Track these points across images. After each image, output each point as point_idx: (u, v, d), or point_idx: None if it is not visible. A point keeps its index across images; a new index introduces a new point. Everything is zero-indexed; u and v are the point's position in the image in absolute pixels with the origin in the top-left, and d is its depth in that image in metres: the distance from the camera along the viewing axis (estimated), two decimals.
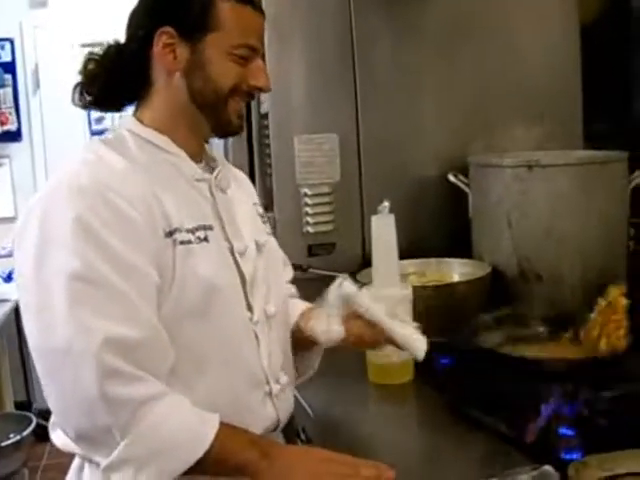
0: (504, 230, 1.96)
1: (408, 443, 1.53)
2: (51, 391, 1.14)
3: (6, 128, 4.72)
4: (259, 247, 1.38)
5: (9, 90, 4.72)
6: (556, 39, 2.39)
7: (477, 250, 2.10)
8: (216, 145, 2.02)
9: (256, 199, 1.54)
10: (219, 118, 1.32)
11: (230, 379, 1.26)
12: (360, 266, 2.04)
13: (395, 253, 1.62)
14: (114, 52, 1.34)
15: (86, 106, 1.37)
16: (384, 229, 1.61)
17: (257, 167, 2.24)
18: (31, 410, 4.08)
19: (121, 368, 1.09)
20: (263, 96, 2.11)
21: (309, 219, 2.11)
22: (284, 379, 1.37)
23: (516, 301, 1.94)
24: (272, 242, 1.49)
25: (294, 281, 1.62)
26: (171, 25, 1.27)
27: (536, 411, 1.37)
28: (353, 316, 1.42)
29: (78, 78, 1.35)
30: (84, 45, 4.23)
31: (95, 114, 4.64)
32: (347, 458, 1.20)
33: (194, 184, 1.31)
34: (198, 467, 1.11)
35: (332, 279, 1.94)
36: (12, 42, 4.69)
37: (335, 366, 1.57)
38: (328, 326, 1.41)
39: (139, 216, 1.17)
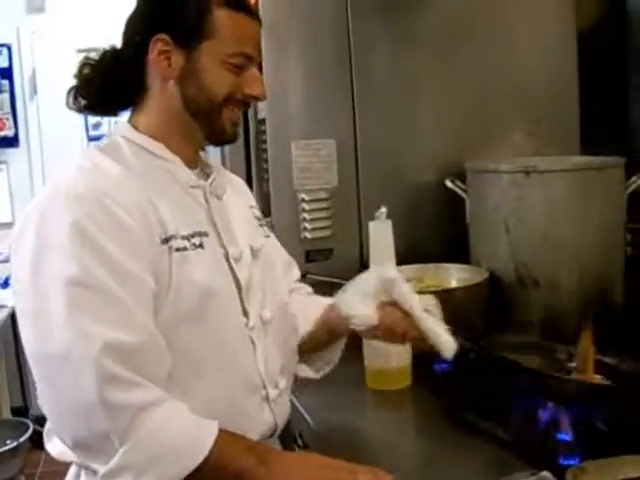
0: (501, 236, 1.96)
1: (406, 448, 1.53)
2: (47, 397, 1.14)
3: (3, 134, 4.73)
4: (254, 252, 1.38)
5: (6, 96, 4.72)
6: (553, 45, 2.39)
7: (474, 256, 2.10)
8: (213, 151, 2.02)
9: (253, 202, 1.54)
10: (213, 126, 1.32)
11: (226, 384, 1.26)
12: (358, 272, 2.02)
13: (393, 259, 1.62)
14: (110, 57, 1.34)
15: (81, 110, 1.37)
16: (382, 235, 1.61)
17: (254, 173, 2.24)
18: (28, 416, 4.07)
19: (120, 374, 1.09)
20: (260, 102, 2.11)
21: (306, 225, 2.11)
22: (282, 384, 1.37)
23: (513, 307, 1.94)
24: (270, 245, 1.49)
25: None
26: (167, 32, 1.27)
27: (534, 416, 1.37)
28: (387, 305, 1.42)
29: (74, 83, 1.36)
30: (81, 50, 4.23)
31: (92, 120, 4.65)
32: (344, 464, 1.20)
33: (189, 191, 1.31)
34: (197, 474, 1.11)
35: (330, 285, 1.95)
36: (9, 48, 4.69)
37: (333, 372, 1.56)
38: (363, 311, 1.40)
39: (135, 223, 1.17)
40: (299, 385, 1.53)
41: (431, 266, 2.10)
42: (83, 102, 1.36)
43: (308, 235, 2.11)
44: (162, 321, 1.17)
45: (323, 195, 2.12)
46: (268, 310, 1.36)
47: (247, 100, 1.34)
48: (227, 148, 2.25)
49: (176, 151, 1.32)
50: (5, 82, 4.71)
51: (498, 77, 2.33)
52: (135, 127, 1.32)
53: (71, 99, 1.35)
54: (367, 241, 1.63)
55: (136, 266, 1.15)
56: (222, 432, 1.15)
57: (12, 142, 4.75)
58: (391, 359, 1.68)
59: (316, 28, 2.13)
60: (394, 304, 1.42)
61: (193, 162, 1.36)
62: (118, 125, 1.37)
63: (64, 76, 1.45)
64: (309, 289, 1.63)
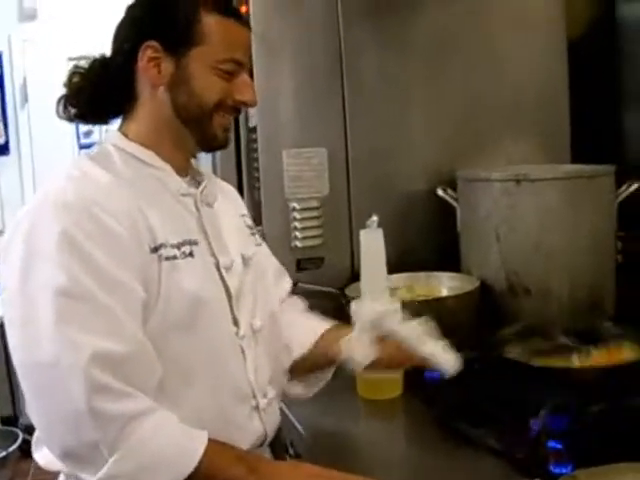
0: (492, 244, 1.97)
1: (398, 458, 1.52)
2: (36, 407, 1.13)
3: None
4: (245, 261, 1.37)
5: None
6: (544, 53, 2.40)
7: (466, 264, 2.10)
8: (204, 158, 2.02)
9: (244, 210, 1.54)
10: (204, 133, 1.31)
11: (216, 393, 1.25)
12: (349, 280, 2.03)
13: (384, 267, 1.62)
14: (99, 65, 1.33)
15: (71, 119, 1.37)
16: (373, 243, 1.61)
17: (245, 181, 2.23)
18: (17, 425, 4.05)
19: (109, 384, 1.08)
20: (251, 110, 2.10)
21: (297, 233, 2.10)
22: (271, 393, 1.37)
23: (505, 315, 1.94)
24: (261, 253, 1.49)
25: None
26: (156, 39, 1.27)
27: (525, 425, 1.37)
28: (381, 338, 1.42)
29: (64, 91, 1.35)
30: (73, 59, 4.23)
31: (83, 128, 4.65)
32: (336, 473, 1.19)
33: (179, 199, 1.30)
34: None
35: (321, 294, 1.95)
36: (0, 55, 4.69)
37: (332, 372, 1.56)
38: (361, 350, 1.40)
39: (124, 231, 1.16)
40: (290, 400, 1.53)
41: (422, 275, 2.10)
42: (73, 111, 1.35)
43: (299, 244, 2.10)
44: (151, 330, 1.17)
45: (314, 204, 2.12)
46: (258, 319, 1.36)
47: (238, 106, 1.34)
48: (218, 156, 2.25)
49: (167, 159, 1.31)
50: None
51: (489, 85, 2.33)
52: (125, 135, 1.32)
53: (61, 108, 1.35)
54: (358, 250, 1.62)
55: (125, 275, 1.14)
56: (212, 442, 1.15)
57: (3, 150, 4.75)
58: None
59: (307, 36, 2.13)
60: (387, 336, 1.42)
61: (184, 170, 1.36)
62: (109, 133, 1.36)
63: (55, 84, 1.44)
64: (302, 305, 1.62)
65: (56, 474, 1.25)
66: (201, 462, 1.11)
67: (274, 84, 2.10)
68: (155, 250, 1.19)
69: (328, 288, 2.02)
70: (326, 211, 2.14)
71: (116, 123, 1.37)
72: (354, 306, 1.56)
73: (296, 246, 2.11)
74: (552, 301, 1.91)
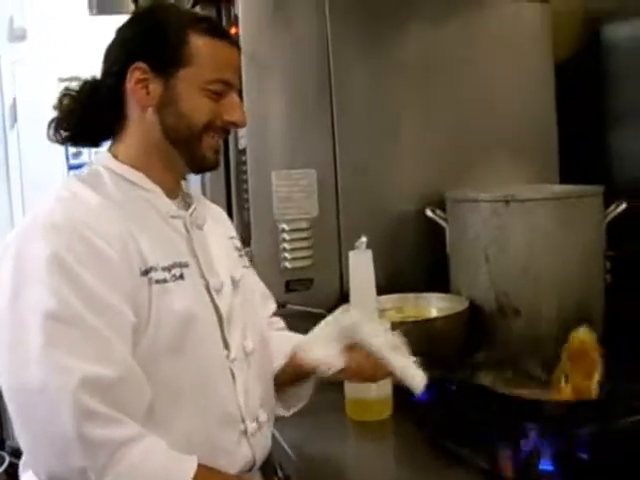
0: (481, 265, 1.97)
1: (388, 479, 1.51)
2: (23, 431, 1.12)
3: None
4: (235, 283, 1.37)
5: None
6: (531, 74, 2.42)
7: (455, 285, 2.10)
8: (193, 180, 2.02)
9: (233, 233, 1.53)
10: (193, 154, 1.31)
11: (205, 417, 1.24)
12: (338, 302, 2.02)
13: (373, 288, 1.62)
14: (90, 87, 1.34)
15: (62, 142, 1.36)
16: (362, 264, 1.61)
17: (235, 202, 2.23)
18: (4, 448, 4.01)
19: (98, 409, 1.07)
20: (241, 131, 2.11)
21: (287, 255, 2.10)
22: (263, 417, 1.36)
23: (494, 336, 1.94)
24: (249, 276, 1.49)
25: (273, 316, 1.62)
26: (144, 60, 1.27)
27: (516, 446, 1.36)
28: (352, 347, 1.41)
29: (54, 113, 1.35)
30: (63, 80, 4.24)
31: (73, 149, 4.64)
32: None
33: (169, 221, 1.30)
34: None
35: (310, 315, 1.94)
36: None
37: (313, 402, 1.55)
38: (328, 356, 1.40)
39: (115, 254, 1.16)
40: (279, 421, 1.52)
41: (411, 296, 2.10)
42: (64, 134, 1.35)
43: (288, 265, 2.10)
44: (141, 354, 1.16)
45: (303, 225, 2.12)
46: (250, 340, 1.35)
47: (227, 127, 1.33)
48: (207, 177, 2.25)
49: (157, 181, 1.31)
50: None
51: (477, 107, 2.35)
52: (115, 156, 1.32)
53: (52, 131, 1.35)
54: (347, 271, 1.63)
55: (115, 298, 1.14)
56: (201, 467, 1.14)
57: None
58: (371, 389, 1.67)
59: (297, 58, 2.14)
60: (359, 345, 1.42)
61: (174, 192, 1.36)
62: (99, 154, 1.36)
63: (45, 105, 1.45)
64: (281, 324, 1.62)
65: None
66: None
67: (264, 105, 2.11)
68: (145, 273, 1.19)
69: (317, 309, 2.01)
70: (315, 232, 2.14)
71: (106, 144, 1.38)
72: (336, 314, 1.55)
73: (285, 267, 2.10)
74: (541, 322, 1.91)
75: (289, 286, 2.10)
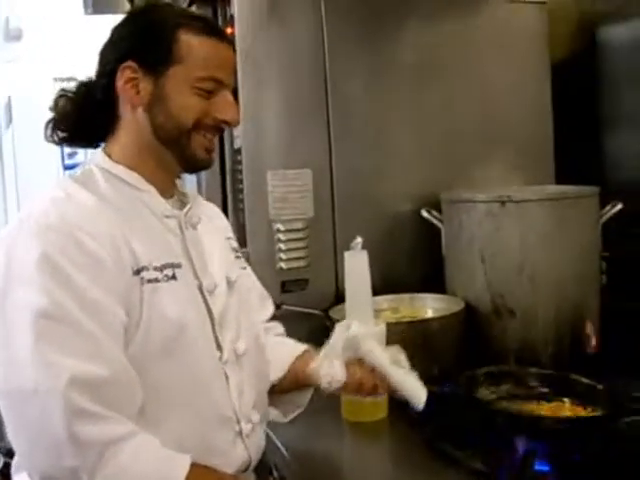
0: (477, 266, 1.96)
1: None
2: (15, 431, 1.11)
3: None
4: (230, 284, 1.36)
5: None
6: (527, 76, 2.42)
7: (450, 286, 2.10)
8: (189, 180, 2.01)
9: (230, 233, 1.53)
10: (183, 153, 1.30)
11: (198, 420, 1.24)
12: (333, 302, 2.03)
13: (368, 289, 1.62)
14: (85, 88, 1.33)
15: (59, 142, 1.36)
16: (357, 265, 1.61)
17: (230, 202, 2.23)
18: None
19: (89, 408, 1.07)
20: (236, 131, 2.11)
21: (282, 255, 2.10)
22: (256, 418, 1.35)
23: (490, 336, 1.94)
24: (246, 277, 1.48)
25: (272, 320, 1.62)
26: (134, 59, 1.26)
27: (512, 447, 1.36)
28: (354, 361, 1.42)
29: (50, 113, 1.35)
30: (58, 79, 4.23)
31: (68, 149, 4.63)
32: None
33: (163, 220, 1.29)
34: None
35: (305, 315, 1.94)
36: None
37: (309, 403, 1.55)
38: (330, 371, 1.40)
39: (107, 254, 1.15)
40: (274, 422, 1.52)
41: (407, 296, 2.10)
42: (61, 135, 1.35)
43: (284, 265, 2.10)
44: (132, 354, 1.15)
45: (299, 225, 2.12)
46: (242, 342, 1.35)
47: (218, 125, 1.32)
48: (203, 178, 2.25)
49: (151, 180, 1.31)
50: None
51: (473, 108, 2.34)
52: (109, 156, 1.31)
53: (49, 132, 1.35)
54: (343, 271, 1.62)
55: (107, 298, 1.13)
56: (194, 466, 1.13)
57: None
58: None
59: (293, 58, 2.13)
60: (361, 360, 1.42)
61: (169, 191, 1.35)
62: (93, 154, 1.36)
63: (40, 104, 1.44)
64: (281, 329, 1.62)
65: None
66: None
67: (259, 106, 2.10)
68: (137, 272, 1.18)
69: (313, 310, 2.01)
70: (311, 233, 2.14)
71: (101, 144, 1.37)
72: (338, 328, 1.56)
73: (281, 268, 2.10)
74: (537, 323, 1.90)
75: (284, 286, 2.10)
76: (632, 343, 1.81)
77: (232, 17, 2.07)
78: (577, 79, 2.47)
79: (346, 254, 1.62)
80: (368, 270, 1.61)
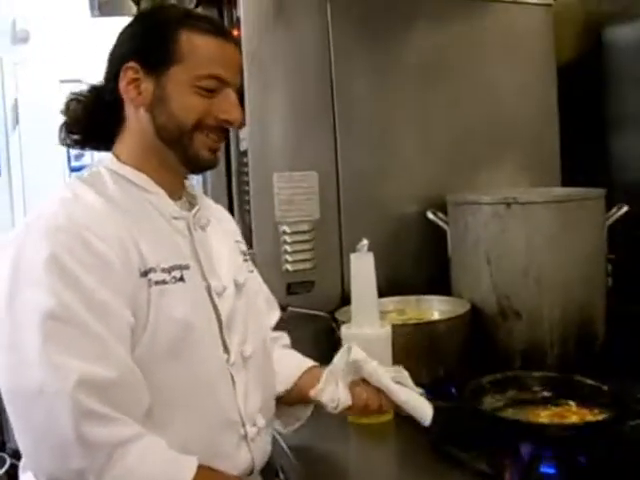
0: (483, 268, 1.96)
1: None
2: (22, 433, 1.12)
3: None
4: (238, 287, 1.36)
5: None
6: (533, 77, 2.41)
7: (456, 288, 2.10)
8: (195, 181, 2.02)
9: (239, 237, 1.53)
10: (186, 153, 1.30)
11: (204, 422, 1.24)
12: (339, 304, 2.03)
13: (374, 291, 1.62)
14: (94, 91, 1.34)
15: (72, 145, 1.37)
16: (363, 267, 1.61)
17: (236, 204, 2.23)
18: (5, 450, 4.00)
19: (96, 409, 1.07)
20: (242, 133, 2.11)
21: (288, 257, 2.09)
22: (261, 422, 1.35)
23: (495, 338, 1.93)
24: (253, 280, 1.48)
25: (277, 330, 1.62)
26: (136, 60, 1.26)
27: (517, 450, 1.36)
28: (358, 382, 1.42)
29: (58, 115, 1.35)
30: (64, 81, 4.24)
31: (74, 150, 4.63)
32: None
33: (171, 222, 1.30)
34: None
35: (311, 317, 1.94)
36: None
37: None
38: (335, 394, 1.40)
39: (115, 256, 1.15)
40: None
41: (413, 298, 2.10)
42: (74, 137, 1.35)
43: (289, 267, 2.10)
44: (139, 356, 1.16)
45: (305, 227, 2.12)
46: (249, 345, 1.35)
47: (221, 125, 1.31)
48: (209, 180, 2.25)
49: (159, 182, 1.31)
50: None
51: (479, 109, 2.34)
52: (117, 157, 1.32)
53: (62, 135, 1.35)
54: (349, 273, 1.63)
55: (115, 300, 1.14)
56: (201, 467, 1.14)
57: None
58: None
59: (298, 60, 2.13)
60: (365, 381, 1.42)
61: (177, 192, 1.35)
62: (101, 156, 1.36)
63: (47, 106, 1.45)
64: (287, 340, 1.62)
65: None
66: None
67: (265, 107, 2.11)
68: (145, 274, 1.19)
69: (319, 312, 2.01)
70: (317, 235, 2.14)
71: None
72: (345, 330, 1.56)
73: (287, 270, 2.10)
74: (543, 324, 1.90)
75: (290, 289, 2.10)
76: (638, 345, 1.81)
77: (238, 19, 2.07)
78: (583, 80, 2.46)
79: (352, 256, 1.62)
80: (374, 272, 1.61)
